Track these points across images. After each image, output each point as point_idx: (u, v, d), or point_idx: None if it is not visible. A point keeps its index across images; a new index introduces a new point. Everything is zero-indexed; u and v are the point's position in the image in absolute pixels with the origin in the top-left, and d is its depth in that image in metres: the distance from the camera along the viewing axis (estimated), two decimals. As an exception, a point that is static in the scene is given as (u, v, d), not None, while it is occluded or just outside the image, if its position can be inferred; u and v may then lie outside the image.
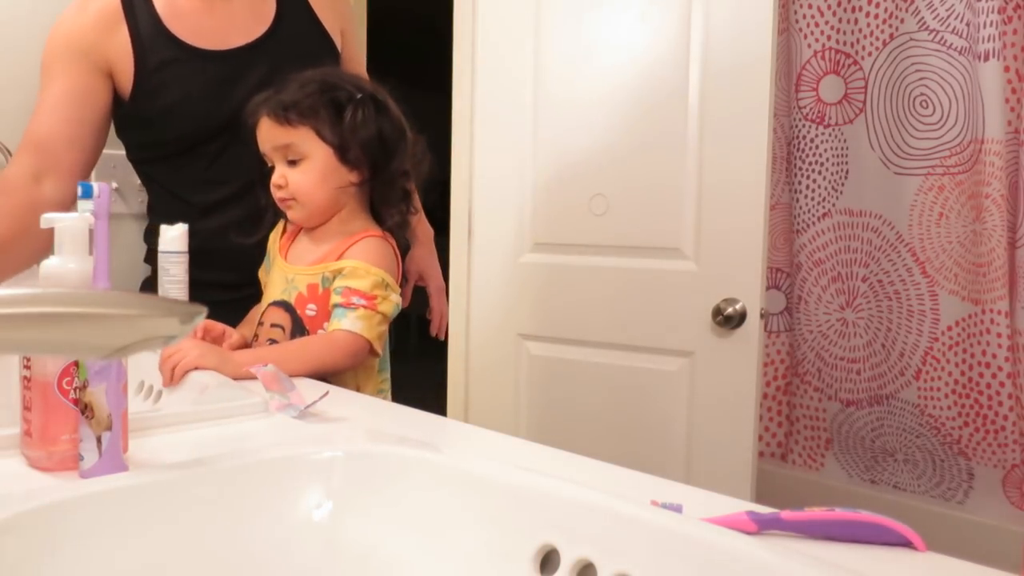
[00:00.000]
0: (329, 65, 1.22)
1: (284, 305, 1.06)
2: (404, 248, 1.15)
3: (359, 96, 1.03)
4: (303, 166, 1.03)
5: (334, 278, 1.01)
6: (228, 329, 1.08)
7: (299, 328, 1.03)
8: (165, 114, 1.20)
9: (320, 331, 1.02)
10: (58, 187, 1.17)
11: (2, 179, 1.16)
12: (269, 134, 1.04)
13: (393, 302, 1.02)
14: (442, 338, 1.54)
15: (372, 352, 1.00)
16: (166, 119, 1.21)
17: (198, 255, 1.12)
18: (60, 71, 1.18)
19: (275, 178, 1.05)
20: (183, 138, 1.21)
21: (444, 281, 1.51)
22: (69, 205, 1.18)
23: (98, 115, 1.20)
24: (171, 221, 1.15)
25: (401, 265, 1.07)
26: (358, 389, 1.00)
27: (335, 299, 0.99)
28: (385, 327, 1.02)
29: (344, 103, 1.03)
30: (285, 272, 1.08)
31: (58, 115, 1.17)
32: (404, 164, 1.06)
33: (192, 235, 1.10)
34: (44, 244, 1.13)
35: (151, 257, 1.30)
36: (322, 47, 1.26)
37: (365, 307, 0.98)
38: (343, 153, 1.02)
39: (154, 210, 1.33)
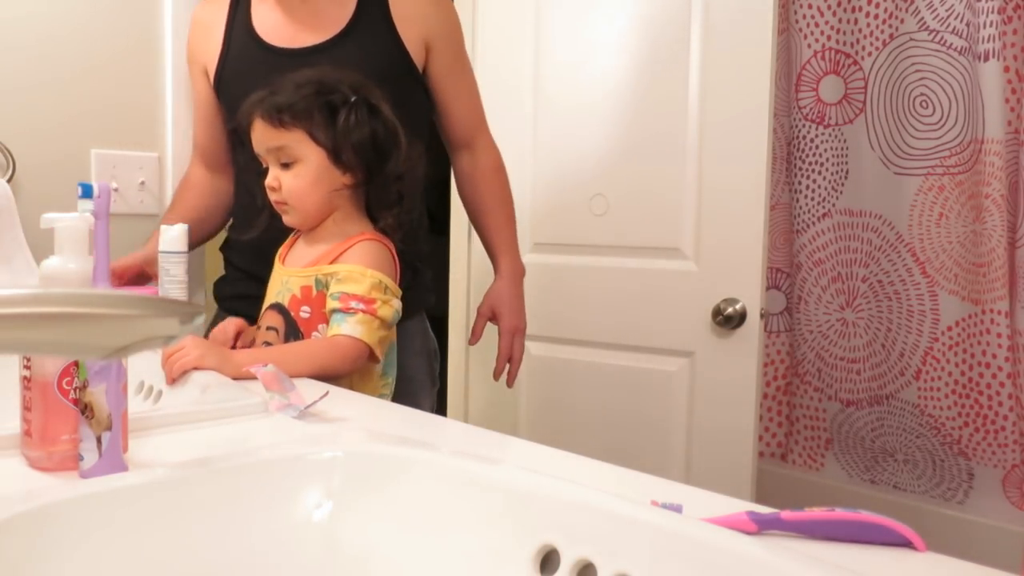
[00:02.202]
0: (397, 77, 1.20)
1: (278, 307, 1.05)
2: (413, 254, 1.14)
3: (353, 99, 1.02)
4: (296, 169, 1.02)
5: (328, 281, 1.01)
6: (239, 321, 1.11)
7: (292, 330, 1.03)
8: (231, 104, 1.24)
9: (315, 333, 1.01)
10: (225, 177, 1.36)
11: (187, 178, 1.39)
12: (263, 136, 1.03)
13: (393, 307, 1.01)
14: (510, 387, 1.43)
15: (372, 357, 1.00)
16: (232, 110, 1.24)
17: (258, 248, 1.17)
18: (191, 78, 1.35)
19: (269, 180, 1.04)
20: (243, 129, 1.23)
21: (523, 323, 1.41)
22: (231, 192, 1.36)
23: (216, 114, 1.32)
24: (240, 212, 1.29)
25: (399, 267, 1.06)
26: (351, 389, 1.00)
27: (333, 304, 0.99)
28: (385, 332, 1.01)
29: (338, 106, 1.02)
30: (281, 275, 1.08)
31: (198, 119, 1.36)
32: (398, 168, 1.05)
33: (252, 228, 1.16)
34: (222, 221, 1.35)
35: (225, 248, 1.37)
36: (392, 58, 1.22)
37: (364, 311, 0.97)
38: (336, 156, 1.02)
39: (235, 203, 1.36)
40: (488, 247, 1.42)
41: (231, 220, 1.37)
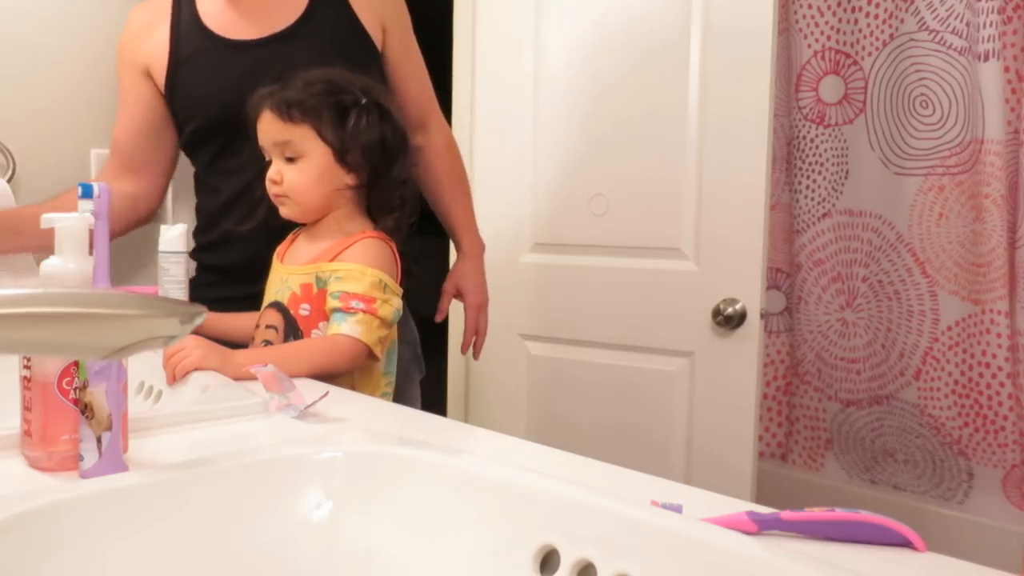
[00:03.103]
0: (362, 60, 1.20)
1: (277, 306, 1.05)
2: (410, 254, 1.15)
3: (364, 101, 1.03)
4: (300, 164, 1.03)
5: (328, 279, 1.01)
6: None
7: (292, 328, 1.03)
8: (192, 104, 1.24)
9: (315, 331, 1.02)
10: (133, 183, 1.30)
11: (97, 179, 1.33)
12: (270, 129, 1.04)
13: (394, 306, 1.01)
14: (476, 359, 1.47)
15: (372, 356, 1.00)
16: (194, 108, 1.24)
17: (229, 243, 1.19)
18: (120, 78, 1.30)
19: (271, 173, 1.05)
20: (211, 127, 1.23)
21: (486, 298, 1.43)
22: (149, 199, 1.33)
23: (150, 116, 1.28)
24: (210, 212, 1.27)
25: (400, 266, 1.07)
26: (353, 389, 1.00)
27: (333, 303, 0.99)
28: (385, 331, 1.02)
29: (348, 106, 1.03)
30: (280, 274, 1.08)
31: (121, 119, 1.30)
32: (404, 172, 1.06)
33: (224, 223, 1.17)
34: (126, 225, 1.29)
35: (194, 252, 1.35)
36: (355, 41, 1.23)
37: (364, 311, 0.98)
38: (342, 155, 1.02)
39: (198, 204, 1.34)
40: (447, 224, 1.42)
41: (197, 223, 1.33)
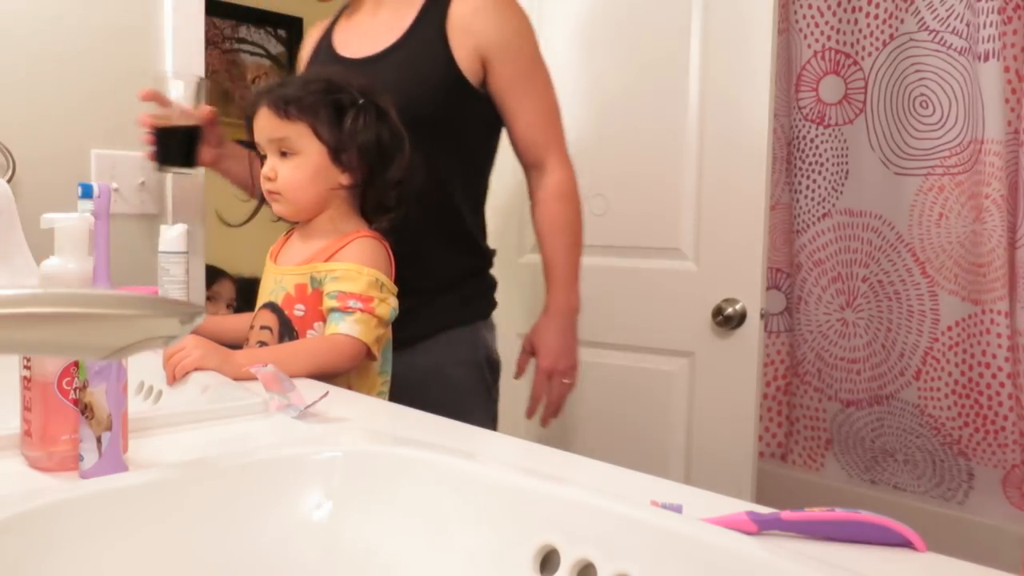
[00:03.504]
0: (444, 91, 1.19)
1: (272, 307, 1.05)
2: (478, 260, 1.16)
3: (361, 101, 1.03)
4: (295, 161, 1.03)
5: (323, 279, 1.01)
6: None
7: (287, 329, 1.03)
8: None
9: (310, 332, 1.02)
10: None
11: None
12: (266, 125, 1.04)
13: (390, 305, 1.01)
14: (544, 426, 1.35)
15: (369, 355, 1.00)
16: None
17: None
18: None
19: (265, 170, 1.05)
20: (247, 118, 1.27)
21: (564, 364, 1.32)
22: None
23: None
24: None
25: (395, 265, 1.07)
26: (349, 388, 1.00)
27: (330, 303, 0.99)
28: (383, 330, 1.02)
29: (346, 106, 1.03)
30: (274, 274, 1.08)
31: None
32: (399, 173, 1.06)
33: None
34: None
35: None
36: (439, 70, 1.20)
37: (362, 310, 0.98)
38: (337, 154, 1.02)
39: None
40: (543, 274, 1.34)
41: None
